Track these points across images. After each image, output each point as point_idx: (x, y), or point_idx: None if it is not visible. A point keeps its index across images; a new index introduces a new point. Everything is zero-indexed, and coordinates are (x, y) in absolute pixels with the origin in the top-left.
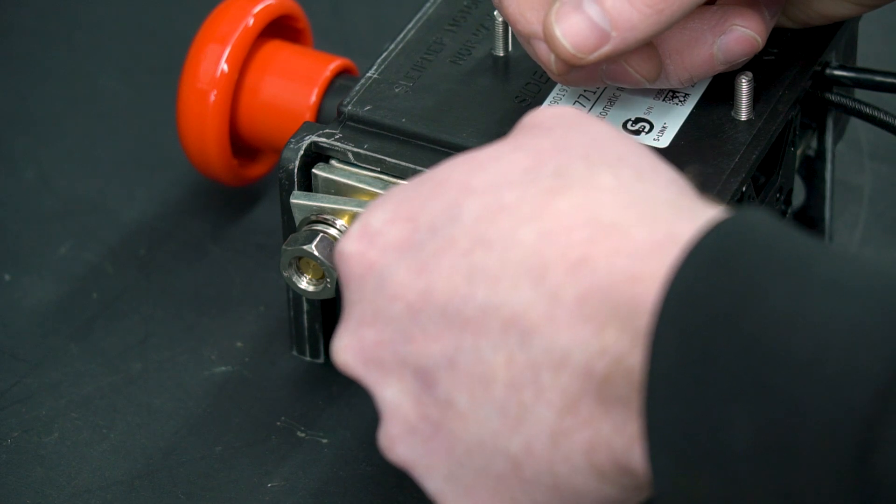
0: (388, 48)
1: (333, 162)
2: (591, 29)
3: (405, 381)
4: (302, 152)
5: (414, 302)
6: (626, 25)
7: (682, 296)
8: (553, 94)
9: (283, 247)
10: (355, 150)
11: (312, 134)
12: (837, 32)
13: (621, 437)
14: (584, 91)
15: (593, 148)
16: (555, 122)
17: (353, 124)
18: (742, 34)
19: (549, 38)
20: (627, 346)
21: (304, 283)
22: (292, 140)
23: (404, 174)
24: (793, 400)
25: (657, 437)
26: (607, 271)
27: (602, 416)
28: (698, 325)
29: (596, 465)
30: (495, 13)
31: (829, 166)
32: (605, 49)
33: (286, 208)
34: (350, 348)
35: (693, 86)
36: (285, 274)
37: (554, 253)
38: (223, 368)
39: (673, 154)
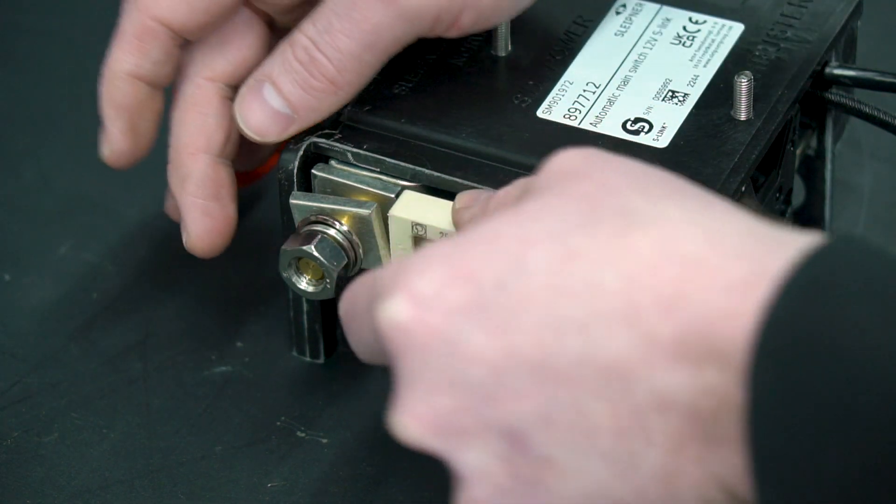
0: None
1: (333, 162)
2: (274, 117)
3: (491, 444)
4: (301, 153)
5: (497, 363)
6: (306, 108)
7: (779, 331)
8: (553, 94)
9: (283, 247)
10: (355, 150)
11: (312, 134)
12: (837, 32)
13: (731, 470)
14: (584, 90)
15: (640, 182)
16: (584, 165)
17: (352, 125)
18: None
19: (237, 124)
20: (731, 385)
21: (304, 284)
22: (292, 140)
23: (403, 174)
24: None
25: (762, 472)
26: (702, 309)
27: (711, 453)
28: (796, 360)
29: (707, 499)
30: None
31: (828, 166)
32: (291, 129)
33: (286, 208)
34: (422, 419)
35: (693, 85)
36: (285, 274)
37: (644, 294)
38: (223, 368)
39: (672, 154)
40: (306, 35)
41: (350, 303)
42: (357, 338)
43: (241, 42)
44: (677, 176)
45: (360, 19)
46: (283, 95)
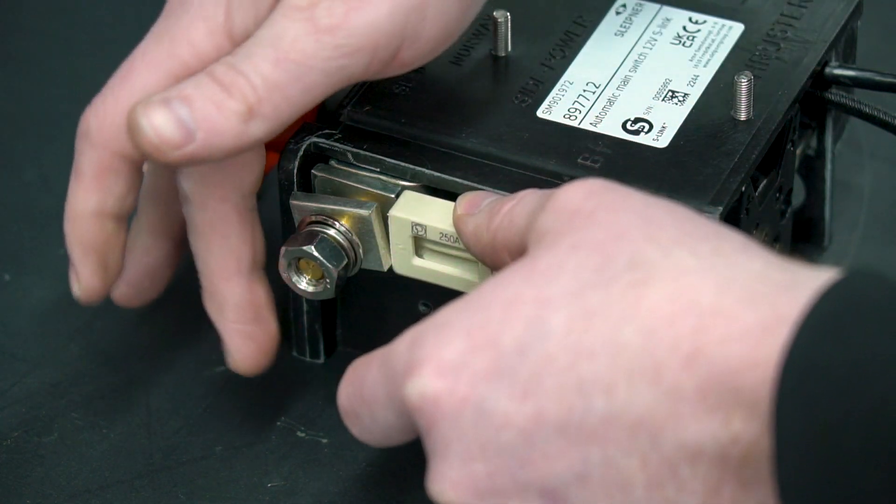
0: None
1: (333, 162)
2: (177, 123)
3: (530, 502)
4: (301, 153)
5: (525, 427)
6: (212, 129)
7: (798, 375)
8: (553, 93)
9: (283, 247)
10: (355, 150)
11: (312, 135)
12: (837, 32)
13: None
14: (584, 90)
15: (649, 225)
16: (592, 204)
17: (352, 125)
18: None
19: (131, 128)
20: (758, 431)
21: (304, 284)
22: (292, 141)
23: (404, 174)
24: None
25: None
26: (723, 360)
27: (744, 496)
28: (817, 402)
29: None
30: (495, 13)
31: (828, 166)
32: (187, 149)
33: (286, 208)
34: (460, 486)
35: (692, 85)
36: (285, 274)
37: (663, 349)
38: (223, 368)
39: (672, 154)
40: (226, 61)
41: (356, 389)
42: (369, 422)
43: (239, 159)
44: (678, 205)
45: (288, 49)
46: (193, 109)
